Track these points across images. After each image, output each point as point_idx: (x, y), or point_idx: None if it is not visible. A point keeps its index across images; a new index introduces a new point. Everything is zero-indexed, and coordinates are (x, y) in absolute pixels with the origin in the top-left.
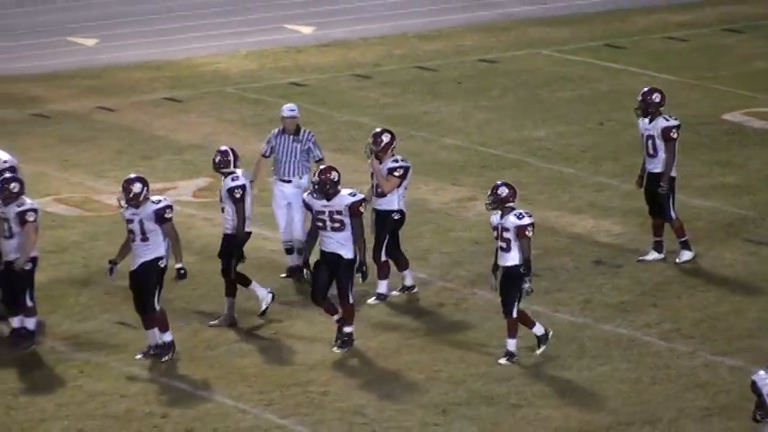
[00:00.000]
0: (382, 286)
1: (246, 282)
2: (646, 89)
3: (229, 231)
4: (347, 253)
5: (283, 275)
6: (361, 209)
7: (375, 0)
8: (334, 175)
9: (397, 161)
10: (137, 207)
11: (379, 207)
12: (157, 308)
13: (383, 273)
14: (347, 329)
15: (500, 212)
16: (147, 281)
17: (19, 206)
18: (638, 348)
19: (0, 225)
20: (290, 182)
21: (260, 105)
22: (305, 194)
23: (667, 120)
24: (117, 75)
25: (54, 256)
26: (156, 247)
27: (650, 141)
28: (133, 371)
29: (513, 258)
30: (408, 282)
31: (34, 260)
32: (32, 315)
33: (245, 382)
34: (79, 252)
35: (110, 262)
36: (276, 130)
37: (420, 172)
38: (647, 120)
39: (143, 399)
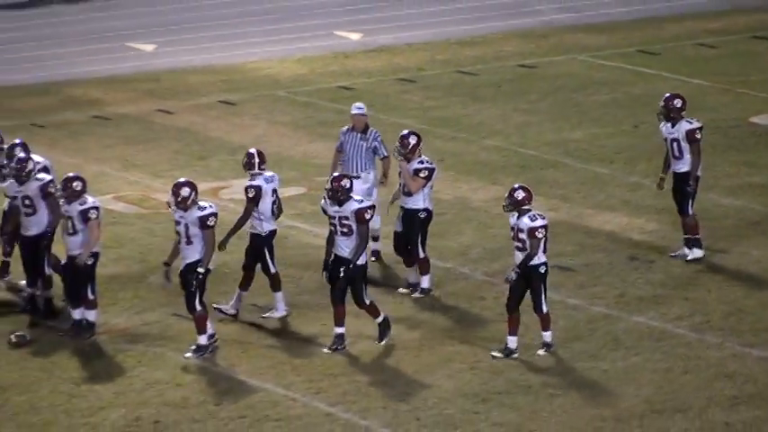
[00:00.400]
0: (425, 281)
1: (277, 287)
2: (668, 95)
3: (253, 230)
4: (350, 255)
5: (373, 259)
6: (367, 215)
7: (419, 8)
8: (345, 182)
9: (422, 162)
10: (184, 210)
11: (406, 206)
12: (198, 308)
13: (424, 269)
14: (379, 319)
15: (516, 214)
16: (189, 282)
17: (82, 204)
18: (669, 340)
19: (64, 222)
20: (358, 177)
21: (310, 108)
22: (322, 201)
23: (690, 122)
24: (174, 79)
25: (113, 251)
26: (200, 250)
27: (675, 144)
28: (188, 361)
29: (521, 257)
30: (412, 279)
31: (96, 255)
32: (93, 308)
33: (294, 371)
34: (137, 248)
35: (164, 264)
36: (345, 128)
37: (461, 171)
38: (669, 124)
39: (198, 387)
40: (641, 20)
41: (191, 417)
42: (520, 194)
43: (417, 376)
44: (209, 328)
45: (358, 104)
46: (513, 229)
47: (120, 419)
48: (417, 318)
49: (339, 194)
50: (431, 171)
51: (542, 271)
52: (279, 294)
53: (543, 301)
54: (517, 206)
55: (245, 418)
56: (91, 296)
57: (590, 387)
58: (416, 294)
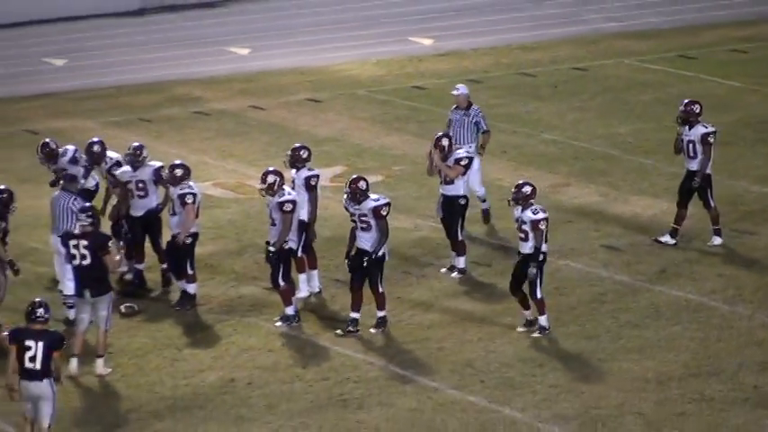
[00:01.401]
0: (460, 262)
1: (313, 267)
2: (687, 101)
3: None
4: (371, 248)
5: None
6: (383, 212)
7: (484, 17)
8: (362, 184)
9: (460, 155)
10: (272, 195)
11: (446, 193)
12: (282, 283)
13: (461, 250)
14: (381, 313)
15: (520, 207)
16: (275, 261)
17: (181, 189)
18: (705, 311)
19: (169, 204)
20: (460, 149)
21: (387, 105)
22: (344, 200)
23: (705, 127)
24: (267, 79)
25: (212, 231)
26: (276, 233)
27: (690, 145)
28: (278, 329)
29: (527, 248)
30: (460, 264)
31: (195, 235)
32: (193, 281)
33: (372, 339)
34: (233, 229)
35: (266, 243)
36: (454, 106)
37: (522, 162)
38: (686, 127)
39: (287, 353)
40: (680, 28)
41: (280, 379)
42: (527, 189)
43: (481, 344)
44: (296, 302)
45: (458, 85)
46: (517, 221)
47: (218, 381)
48: (479, 290)
49: (357, 195)
50: (470, 160)
51: (540, 259)
52: (302, 276)
53: (538, 287)
54: (524, 200)
55: (328, 380)
56: (190, 271)
57: (635, 352)
58: (455, 275)
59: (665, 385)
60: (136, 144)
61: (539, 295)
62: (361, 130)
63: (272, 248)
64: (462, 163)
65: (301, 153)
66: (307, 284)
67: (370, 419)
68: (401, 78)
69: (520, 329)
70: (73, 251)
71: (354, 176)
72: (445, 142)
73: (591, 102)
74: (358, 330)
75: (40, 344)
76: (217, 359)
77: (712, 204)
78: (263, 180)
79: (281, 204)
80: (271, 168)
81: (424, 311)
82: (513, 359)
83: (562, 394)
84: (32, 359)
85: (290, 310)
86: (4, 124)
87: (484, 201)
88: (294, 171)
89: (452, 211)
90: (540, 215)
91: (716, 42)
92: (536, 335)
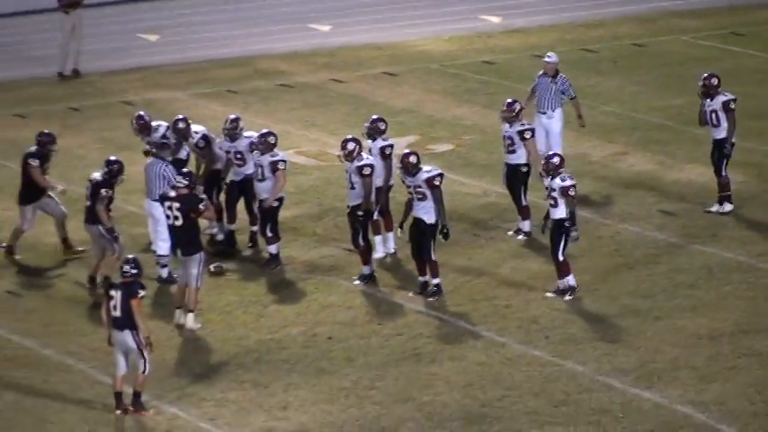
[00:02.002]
0: (525, 225)
1: (389, 229)
2: (705, 75)
3: (379, 184)
4: (429, 218)
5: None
6: (436, 182)
7: None
8: (412, 158)
9: (524, 125)
10: (351, 161)
11: (509, 162)
12: (362, 243)
13: (526, 214)
14: (435, 281)
15: (551, 176)
16: (353, 221)
17: (272, 156)
18: (754, 272)
19: (255, 171)
20: (544, 113)
21: (458, 79)
22: (398, 172)
23: (726, 95)
24: (346, 54)
25: (295, 196)
26: (357, 197)
27: (713, 114)
28: (356, 287)
29: (559, 213)
30: (525, 227)
31: (281, 200)
32: (275, 242)
33: (444, 297)
34: (315, 194)
35: (348, 206)
36: (540, 72)
37: (583, 132)
38: (708, 99)
39: (365, 309)
40: (732, 7)
41: (358, 334)
42: (556, 160)
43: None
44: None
45: (549, 53)
46: (546, 188)
47: (300, 335)
48: (544, 253)
49: (410, 168)
50: (533, 131)
51: (567, 224)
52: (378, 237)
53: (560, 250)
54: (553, 171)
55: (403, 335)
56: (270, 234)
57: (688, 310)
58: (521, 237)
59: (716, 341)
60: (232, 117)
61: (560, 257)
62: (434, 102)
63: (360, 212)
64: (526, 135)
65: (379, 125)
66: (383, 245)
67: (442, 372)
68: (471, 53)
69: (548, 295)
70: (167, 212)
71: (406, 151)
72: (517, 106)
73: (648, 76)
74: (427, 291)
75: (120, 293)
76: (299, 315)
77: (724, 173)
78: (344, 147)
79: (360, 168)
80: (350, 136)
81: (493, 271)
82: (575, 315)
83: (620, 349)
84: (115, 307)
85: (367, 270)
86: (102, 96)
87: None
88: (371, 141)
89: (515, 178)
90: (569, 182)
91: (764, 21)
92: (549, 295)
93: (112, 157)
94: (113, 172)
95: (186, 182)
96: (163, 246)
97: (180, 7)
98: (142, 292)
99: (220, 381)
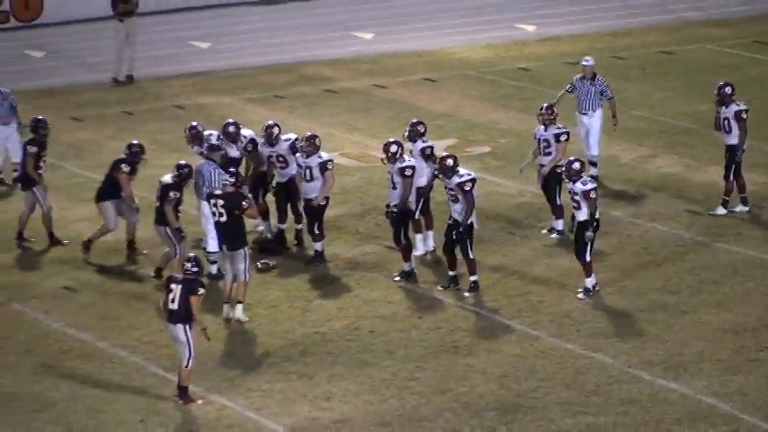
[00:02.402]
0: (559, 224)
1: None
2: (720, 84)
3: (421, 184)
4: (461, 219)
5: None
6: (465, 187)
7: (580, 6)
8: (449, 161)
9: (560, 128)
10: (393, 163)
11: (544, 163)
12: (403, 241)
13: (559, 214)
14: (473, 278)
15: (572, 181)
16: (396, 221)
17: (320, 157)
18: None
19: (301, 172)
20: (586, 114)
21: (494, 85)
22: (439, 174)
23: (738, 105)
24: (388, 61)
25: (339, 196)
26: (397, 196)
27: (726, 122)
28: (397, 283)
29: (582, 215)
30: (558, 226)
31: (327, 199)
32: (321, 239)
33: (480, 293)
34: (358, 194)
35: (387, 206)
36: (578, 76)
37: (613, 135)
38: (723, 107)
39: (405, 304)
40: (756, 16)
41: (398, 328)
42: (577, 165)
43: (578, 297)
44: (412, 260)
45: (587, 58)
46: (570, 192)
47: (343, 329)
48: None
49: (446, 170)
50: (568, 135)
51: (594, 225)
52: (419, 235)
53: (588, 251)
54: (575, 175)
55: (441, 329)
56: (317, 231)
57: (713, 306)
58: (554, 236)
59: (740, 335)
60: (269, 123)
61: (587, 258)
62: (471, 107)
63: (394, 209)
64: (562, 139)
65: (419, 127)
66: (423, 243)
67: (479, 364)
68: (507, 60)
69: (580, 295)
70: (213, 209)
71: (444, 154)
72: (555, 112)
73: (675, 82)
74: (457, 286)
75: (180, 288)
76: (342, 310)
77: (731, 178)
78: (386, 150)
79: (402, 170)
80: (392, 139)
81: (527, 268)
82: (605, 311)
83: (648, 342)
84: (173, 301)
85: (407, 267)
86: (155, 100)
87: (594, 165)
88: (412, 143)
89: (551, 178)
90: (590, 185)
91: None
92: (580, 296)
93: (182, 162)
94: (183, 175)
95: (233, 180)
96: (212, 243)
97: (230, 16)
98: (201, 290)
99: (267, 372)
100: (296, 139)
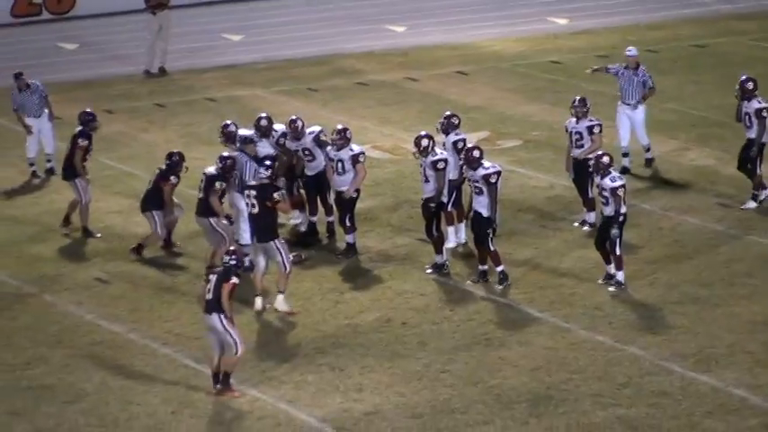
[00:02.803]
0: (590, 217)
1: (461, 220)
2: (743, 78)
3: (451, 177)
4: (485, 212)
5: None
6: (491, 179)
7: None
8: (476, 152)
9: (592, 121)
10: (425, 157)
11: (576, 156)
12: (435, 233)
13: (591, 206)
14: (499, 269)
15: (601, 175)
16: (429, 214)
17: (351, 150)
18: None
19: (330, 164)
20: (629, 104)
21: (527, 77)
22: (463, 167)
23: (759, 102)
24: (420, 53)
25: (371, 189)
26: (431, 189)
27: (747, 117)
28: (429, 276)
29: (609, 210)
30: (590, 219)
31: (358, 191)
32: (352, 231)
33: (512, 284)
34: (390, 186)
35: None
36: (622, 66)
37: (647, 129)
38: (746, 101)
39: (437, 296)
40: None
41: (430, 320)
42: (606, 159)
43: (609, 290)
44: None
45: (630, 47)
46: (598, 187)
47: (375, 321)
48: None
49: (472, 162)
50: (601, 127)
51: (620, 220)
52: (451, 228)
53: (617, 245)
54: (604, 169)
55: (473, 320)
56: (348, 223)
57: (745, 298)
58: (586, 228)
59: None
60: (293, 117)
61: (618, 252)
62: (504, 100)
63: (432, 204)
64: (595, 131)
65: (453, 120)
66: (455, 235)
67: (510, 356)
68: (539, 54)
69: (600, 281)
70: (246, 200)
71: (470, 145)
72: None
73: (707, 75)
74: (487, 279)
75: (215, 277)
76: (374, 301)
77: (759, 172)
78: (417, 144)
79: (435, 163)
80: (423, 133)
81: (559, 260)
82: (636, 303)
83: (680, 335)
84: (209, 291)
85: (439, 259)
86: (188, 93)
87: (648, 150)
88: (445, 135)
89: (582, 171)
90: (618, 182)
91: None
92: (612, 289)
93: (225, 153)
94: (227, 167)
95: (266, 173)
96: (244, 236)
97: (262, 9)
98: (235, 279)
99: (299, 364)
100: (320, 132)
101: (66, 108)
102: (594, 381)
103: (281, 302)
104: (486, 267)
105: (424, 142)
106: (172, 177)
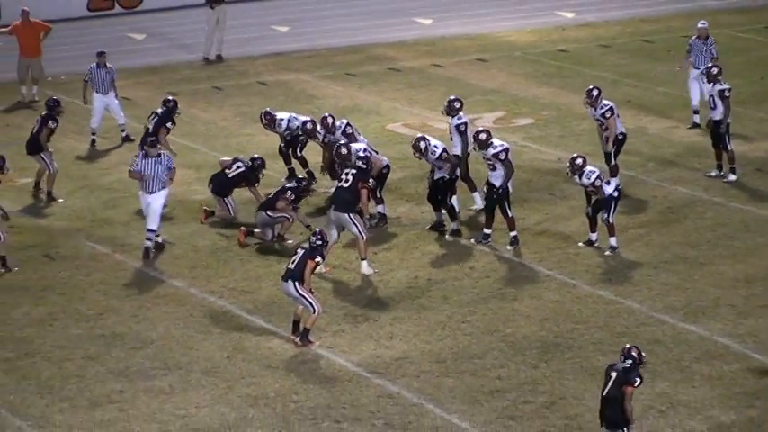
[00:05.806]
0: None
1: (473, 190)
2: (709, 65)
3: (458, 153)
4: (497, 183)
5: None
6: (501, 156)
7: None
8: (483, 135)
9: (603, 107)
10: (485, 149)
11: (608, 136)
12: (450, 204)
13: (614, 173)
14: (513, 233)
15: (577, 176)
16: (439, 188)
17: (494, 148)
18: None
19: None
20: (699, 69)
21: (537, 64)
22: (474, 148)
23: (722, 85)
24: (445, 43)
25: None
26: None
27: (711, 99)
28: (451, 239)
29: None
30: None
31: (387, 167)
32: (381, 203)
33: (524, 245)
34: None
35: None
36: (694, 36)
37: (641, 109)
38: (710, 85)
39: (458, 256)
40: None
41: (452, 276)
42: (579, 161)
43: (606, 254)
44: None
45: (701, 21)
46: (581, 185)
47: (404, 278)
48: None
49: (481, 144)
50: (612, 110)
51: (615, 195)
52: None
53: (611, 215)
54: (578, 170)
55: (489, 277)
56: (378, 195)
57: (728, 258)
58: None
59: (751, 284)
60: (324, 115)
61: (611, 220)
62: (517, 84)
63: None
64: (608, 115)
65: (455, 104)
66: (480, 200)
67: (523, 308)
68: (548, 43)
69: (580, 244)
70: (343, 176)
71: (478, 129)
72: (596, 92)
73: None
74: (488, 241)
75: (303, 251)
76: (403, 261)
77: (730, 147)
78: (416, 148)
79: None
80: (419, 135)
81: (565, 225)
82: (633, 262)
83: (671, 290)
84: (294, 261)
85: (455, 225)
86: (242, 77)
87: (696, 112)
88: (450, 118)
89: (616, 144)
90: (593, 177)
91: None
92: (607, 253)
93: (256, 155)
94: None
95: (365, 165)
96: None
97: (307, 4)
98: (319, 258)
99: (337, 315)
100: (347, 124)
101: (135, 90)
102: (597, 330)
103: (365, 267)
104: (489, 231)
105: (422, 145)
106: (288, 193)
